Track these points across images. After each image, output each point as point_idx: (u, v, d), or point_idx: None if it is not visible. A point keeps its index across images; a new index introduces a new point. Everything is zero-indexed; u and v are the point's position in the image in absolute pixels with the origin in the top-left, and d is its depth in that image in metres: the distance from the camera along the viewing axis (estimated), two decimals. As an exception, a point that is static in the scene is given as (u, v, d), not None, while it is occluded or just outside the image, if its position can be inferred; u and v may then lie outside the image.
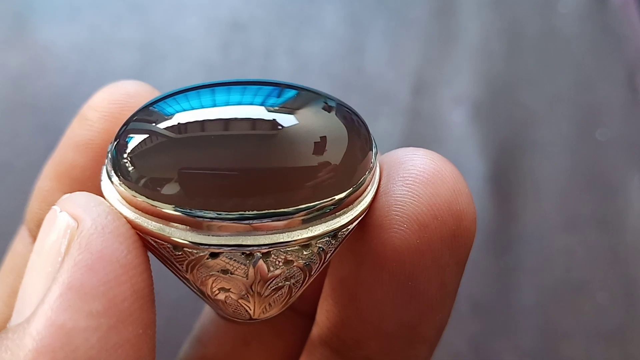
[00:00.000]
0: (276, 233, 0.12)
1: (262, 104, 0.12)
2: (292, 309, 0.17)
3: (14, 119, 0.32)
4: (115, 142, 0.13)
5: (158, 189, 0.12)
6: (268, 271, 0.13)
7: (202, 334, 0.20)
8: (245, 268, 0.13)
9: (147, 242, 0.13)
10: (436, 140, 0.33)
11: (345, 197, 0.13)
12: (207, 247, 0.12)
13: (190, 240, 0.12)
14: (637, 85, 0.35)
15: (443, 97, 0.34)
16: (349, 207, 0.13)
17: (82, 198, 0.13)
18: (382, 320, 0.15)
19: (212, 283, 0.13)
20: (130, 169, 0.12)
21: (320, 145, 0.12)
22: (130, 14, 0.35)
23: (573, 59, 0.36)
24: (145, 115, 0.13)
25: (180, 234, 0.12)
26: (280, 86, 0.13)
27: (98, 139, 0.16)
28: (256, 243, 0.12)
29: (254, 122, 0.12)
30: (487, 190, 0.31)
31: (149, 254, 0.13)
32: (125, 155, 0.12)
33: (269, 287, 0.13)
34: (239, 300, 0.13)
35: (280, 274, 0.13)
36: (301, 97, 0.13)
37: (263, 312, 0.14)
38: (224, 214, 0.12)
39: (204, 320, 0.20)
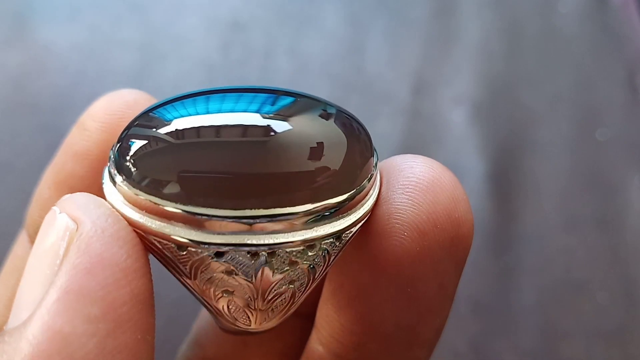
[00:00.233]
0: (281, 233, 0.12)
1: (257, 111, 0.13)
2: None
3: (14, 119, 0.32)
4: (118, 145, 0.13)
5: (160, 189, 0.12)
6: (273, 272, 0.13)
7: (200, 336, 0.20)
8: (250, 269, 0.13)
9: (151, 244, 0.13)
10: (436, 140, 0.33)
11: (347, 199, 0.13)
12: (211, 245, 0.12)
13: (195, 238, 0.12)
14: (637, 85, 0.35)
15: (443, 97, 0.34)
16: (353, 209, 0.13)
17: (82, 199, 0.13)
18: (381, 323, 0.15)
19: (216, 286, 0.13)
20: (133, 170, 0.12)
21: (316, 151, 0.12)
22: (130, 14, 0.35)
23: (573, 59, 0.36)
24: (145, 120, 0.13)
25: (184, 233, 0.12)
26: (277, 93, 0.13)
27: (96, 150, 0.16)
28: (261, 242, 0.12)
29: (246, 129, 0.12)
30: (487, 190, 0.31)
31: (151, 258, 0.13)
32: (128, 158, 0.12)
33: (273, 289, 0.13)
34: (241, 305, 0.13)
35: (284, 276, 0.13)
36: (298, 104, 0.13)
37: (265, 319, 0.14)
38: (227, 212, 0.12)
39: (202, 322, 0.20)
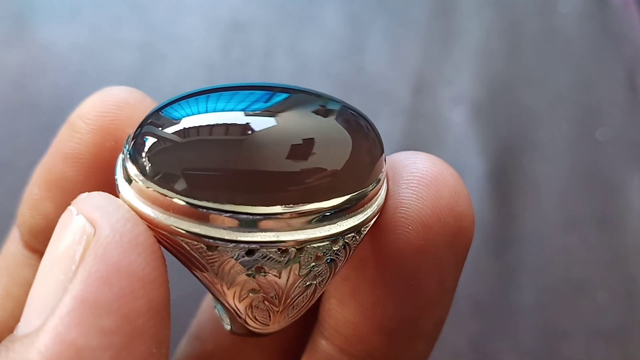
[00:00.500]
0: (309, 228, 0.13)
1: (243, 110, 0.12)
2: None
3: (14, 119, 0.32)
4: (133, 142, 0.13)
5: (195, 189, 0.12)
6: (300, 268, 0.13)
7: (200, 331, 0.20)
8: (280, 266, 0.13)
9: (177, 246, 0.13)
10: (436, 140, 0.33)
11: (363, 194, 0.13)
12: (243, 244, 0.12)
13: (229, 238, 0.12)
14: (637, 85, 0.35)
15: (443, 96, 0.34)
16: (369, 202, 0.14)
17: (101, 200, 0.12)
18: (383, 317, 0.15)
19: (243, 285, 0.13)
20: (164, 171, 0.12)
21: (300, 148, 0.12)
22: (130, 13, 0.35)
23: (573, 59, 0.36)
24: (155, 119, 0.13)
25: (219, 234, 0.12)
26: (274, 90, 0.13)
27: (87, 153, 0.16)
28: (292, 239, 0.12)
29: (227, 127, 0.12)
30: (487, 190, 0.31)
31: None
32: (153, 164, 0.12)
33: (298, 286, 0.13)
34: (266, 304, 0.13)
35: (309, 271, 0.13)
36: (291, 100, 0.13)
37: (284, 317, 0.14)
38: (260, 211, 0.12)
39: (202, 317, 0.20)
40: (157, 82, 0.33)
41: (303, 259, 0.13)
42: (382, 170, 0.14)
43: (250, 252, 0.12)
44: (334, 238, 0.13)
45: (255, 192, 0.12)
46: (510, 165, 0.32)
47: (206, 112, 0.12)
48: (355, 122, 0.14)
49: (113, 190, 0.13)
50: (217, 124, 0.12)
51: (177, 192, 0.12)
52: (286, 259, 0.13)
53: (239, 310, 0.14)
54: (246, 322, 0.14)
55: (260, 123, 0.12)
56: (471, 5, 0.37)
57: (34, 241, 0.17)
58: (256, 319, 0.14)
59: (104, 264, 0.11)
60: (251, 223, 0.12)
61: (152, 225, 0.12)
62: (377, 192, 0.14)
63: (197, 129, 0.12)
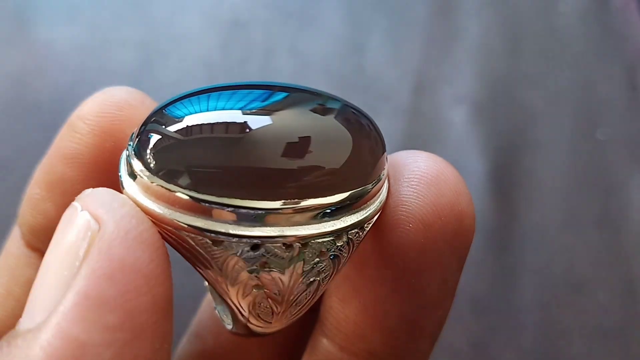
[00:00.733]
0: (312, 224, 0.13)
1: (242, 108, 0.13)
2: None
3: (14, 118, 0.32)
4: (137, 139, 0.13)
5: (199, 184, 0.12)
6: (304, 264, 0.13)
7: (200, 329, 0.20)
8: (284, 261, 0.13)
9: (182, 242, 0.13)
10: (437, 139, 0.33)
11: (366, 191, 0.13)
12: (248, 239, 0.12)
13: (234, 232, 0.12)
14: (637, 84, 0.35)
15: (443, 96, 0.34)
16: (373, 198, 0.14)
17: (106, 196, 0.12)
18: (385, 315, 0.15)
19: (247, 282, 0.13)
20: (169, 168, 0.12)
21: (296, 146, 0.12)
22: (130, 12, 0.35)
23: (573, 58, 0.36)
24: (159, 117, 0.13)
25: (223, 228, 0.12)
26: (273, 89, 0.13)
27: (87, 154, 0.16)
28: (297, 234, 0.13)
29: (227, 126, 0.12)
30: (488, 189, 0.31)
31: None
32: (159, 160, 0.12)
33: (302, 282, 0.13)
34: (269, 301, 0.14)
35: (313, 267, 0.13)
36: (289, 99, 0.13)
37: (287, 316, 0.14)
38: (262, 204, 0.12)
39: (202, 316, 0.20)
40: (157, 80, 0.33)
41: (307, 255, 0.13)
42: (384, 167, 0.14)
43: (254, 247, 0.13)
44: (337, 234, 0.13)
45: (254, 187, 0.12)
46: (511, 165, 0.32)
47: (207, 110, 0.13)
48: (356, 121, 0.14)
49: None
50: (217, 122, 0.12)
51: (181, 187, 0.12)
52: (290, 254, 0.13)
53: (242, 308, 0.14)
54: (249, 321, 0.14)
55: (256, 121, 0.12)
56: (471, 4, 0.37)
57: (35, 240, 0.17)
58: (259, 317, 0.14)
59: (108, 260, 0.11)
60: (254, 218, 0.12)
61: (156, 221, 0.12)
62: (379, 190, 0.14)
63: (200, 127, 0.12)
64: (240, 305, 0.14)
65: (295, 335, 0.19)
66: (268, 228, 0.12)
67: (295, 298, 0.14)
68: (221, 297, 0.14)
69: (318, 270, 0.14)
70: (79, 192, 0.13)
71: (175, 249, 0.13)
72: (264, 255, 0.13)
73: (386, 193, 0.14)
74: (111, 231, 0.11)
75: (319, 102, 0.13)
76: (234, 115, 0.12)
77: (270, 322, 0.14)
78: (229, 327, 0.15)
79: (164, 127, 0.12)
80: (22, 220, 0.17)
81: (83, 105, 0.16)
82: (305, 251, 0.13)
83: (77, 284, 0.11)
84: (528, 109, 0.34)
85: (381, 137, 0.14)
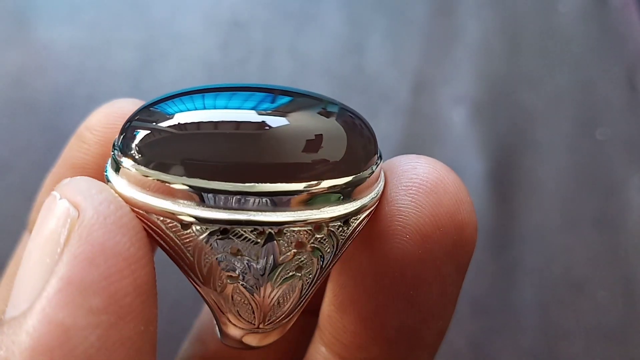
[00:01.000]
0: (287, 211, 0.12)
1: (253, 109, 0.13)
2: None
3: (14, 118, 0.32)
4: (122, 136, 0.13)
5: (167, 169, 0.12)
6: (280, 253, 0.13)
7: (202, 332, 0.20)
8: (257, 248, 0.13)
9: (154, 227, 0.13)
10: (436, 139, 0.33)
11: (350, 184, 0.13)
12: (215, 223, 0.12)
13: (199, 215, 0.12)
14: (637, 85, 0.35)
15: (443, 96, 0.34)
16: (359, 195, 0.13)
17: (84, 184, 0.12)
18: (383, 326, 0.15)
19: (221, 270, 0.13)
20: (138, 156, 0.12)
21: (312, 143, 0.13)
22: (130, 12, 0.35)
23: (573, 58, 0.36)
24: (147, 115, 0.13)
25: (190, 210, 0.12)
26: (275, 92, 0.13)
27: (94, 163, 0.16)
28: (267, 220, 0.12)
29: (239, 124, 0.13)
30: (487, 189, 0.31)
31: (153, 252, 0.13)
32: (133, 145, 0.13)
33: (280, 274, 0.13)
34: (247, 295, 0.13)
35: (292, 259, 0.13)
36: (296, 102, 0.13)
37: (270, 317, 0.14)
38: (230, 187, 0.12)
39: (204, 318, 0.20)
40: (157, 80, 0.33)
41: (282, 243, 0.13)
42: (375, 163, 0.14)
43: (224, 232, 0.12)
44: (315, 224, 0.13)
45: (226, 172, 0.12)
46: (510, 165, 0.32)
47: (204, 109, 0.13)
48: (352, 122, 0.14)
49: None
50: (211, 118, 0.13)
51: (150, 169, 0.12)
52: (263, 241, 0.13)
53: (222, 305, 0.14)
54: (230, 321, 0.14)
55: (274, 121, 0.13)
56: (471, 4, 0.37)
57: None
58: (240, 315, 0.14)
59: (89, 245, 0.11)
60: (222, 201, 0.12)
61: (131, 207, 0.13)
62: (368, 187, 0.14)
63: (198, 124, 0.13)
64: (219, 301, 0.13)
65: (294, 342, 0.19)
66: (236, 212, 0.12)
67: (276, 294, 0.13)
68: (204, 299, 0.14)
69: (298, 264, 0.13)
70: None
71: (159, 246, 0.13)
72: (234, 240, 0.12)
73: (379, 194, 0.14)
74: (90, 217, 0.11)
75: (323, 106, 0.14)
76: (247, 115, 0.13)
77: (254, 324, 0.14)
78: (219, 336, 0.15)
79: (154, 123, 0.13)
80: (32, 227, 0.18)
81: (91, 117, 0.16)
82: (280, 239, 0.13)
83: (60, 270, 0.11)
84: (528, 109, 0.34)
85: (374, 137, 0.14)
